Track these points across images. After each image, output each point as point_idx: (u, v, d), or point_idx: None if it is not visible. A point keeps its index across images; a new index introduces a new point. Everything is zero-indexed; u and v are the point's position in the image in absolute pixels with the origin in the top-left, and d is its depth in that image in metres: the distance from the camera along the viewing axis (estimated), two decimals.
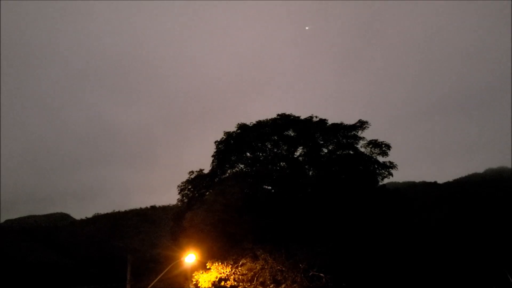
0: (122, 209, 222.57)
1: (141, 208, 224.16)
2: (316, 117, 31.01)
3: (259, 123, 31.25)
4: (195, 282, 24.29)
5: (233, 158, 30.05)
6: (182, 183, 31.34)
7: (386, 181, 27.72)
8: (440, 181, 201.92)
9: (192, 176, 31.25)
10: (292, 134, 29.81)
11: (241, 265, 23.79)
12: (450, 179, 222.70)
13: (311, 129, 29.21)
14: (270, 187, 28.27)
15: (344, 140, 28.93)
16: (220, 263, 23.71)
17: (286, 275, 22.62)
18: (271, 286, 22.90)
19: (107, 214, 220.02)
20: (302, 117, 31.29)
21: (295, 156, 29.72)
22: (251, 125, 31.27)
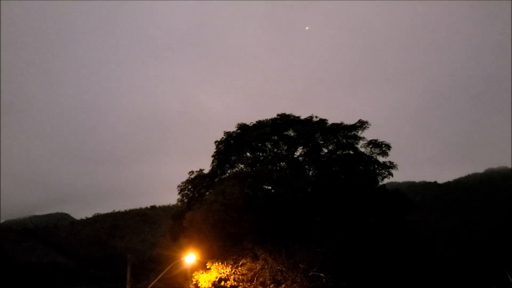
0: (122, 209, 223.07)
1: (141, 208, 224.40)
2: (316, 117, 31.05)
3: (259, 123, 31.26)
4: (195, 282, 24.23)
5: (233, 158, 30.04)
6: (182, 183, 31.39)
7: (386, 181, 27.79)
8: (440, 181, 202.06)
9: (192, 176, 31.29)
10: (292, 134, 29.78)
11: (241, 265, 23.73)
12: (450, 179, 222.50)
13: (311, 129, 29.20)
14: (270, 187, 28.22)
15: (344, 140, 28.92)
16: (220, 263, 23.66)
17: (286, 275, 22.58)
18: (271, 286, 22.85)
19: (107, 214, 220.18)
20: (302, 117, 31.32)
21: (295, 156, 29.70)
22: (251, 125, 31.27)
